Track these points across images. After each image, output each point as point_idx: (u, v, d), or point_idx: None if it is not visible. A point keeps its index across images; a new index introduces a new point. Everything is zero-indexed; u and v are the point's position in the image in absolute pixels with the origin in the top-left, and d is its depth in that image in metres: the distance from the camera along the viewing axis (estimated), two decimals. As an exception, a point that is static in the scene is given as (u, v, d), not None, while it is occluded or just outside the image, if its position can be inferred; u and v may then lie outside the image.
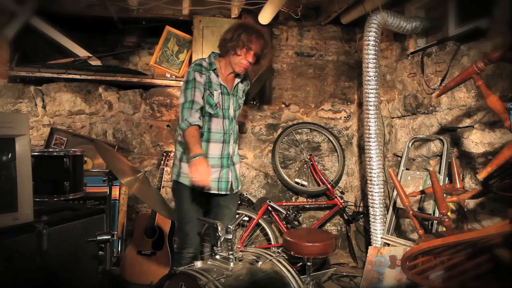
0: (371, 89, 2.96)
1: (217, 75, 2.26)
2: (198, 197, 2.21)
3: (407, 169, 2.99)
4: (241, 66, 2.22)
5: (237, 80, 2.35)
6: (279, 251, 1.91)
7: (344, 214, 3.65)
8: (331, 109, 4.01)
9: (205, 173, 1.91)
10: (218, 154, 2.23)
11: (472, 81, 1.92)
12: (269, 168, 3.83)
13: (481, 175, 1.65)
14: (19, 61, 3.39)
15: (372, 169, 2.98)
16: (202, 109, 2.16)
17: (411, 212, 2.03)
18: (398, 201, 2.88)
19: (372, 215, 3.00)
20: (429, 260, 1.39)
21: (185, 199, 2.19)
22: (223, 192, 2.26)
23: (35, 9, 3.24)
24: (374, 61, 2.95)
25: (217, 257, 1.73)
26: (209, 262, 1.72)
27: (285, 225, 3.40)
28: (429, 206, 2.72)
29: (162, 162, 3.36)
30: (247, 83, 2.48)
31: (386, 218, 2.97)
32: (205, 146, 2.21)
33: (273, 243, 3.33)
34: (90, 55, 3.52)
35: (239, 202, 3.60)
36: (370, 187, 3.00)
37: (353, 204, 3.89)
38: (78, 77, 3.40)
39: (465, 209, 2.21)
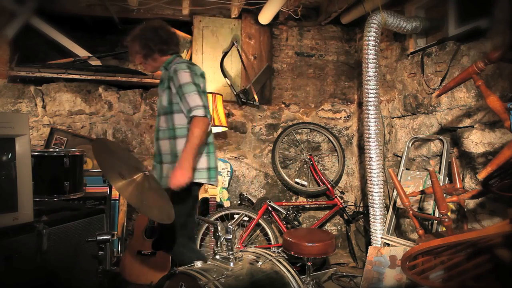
0: (371, 89, 2.96)
1: None
2: None
3: (407, 169, 2.99)
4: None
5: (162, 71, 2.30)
6: (279, 251, 1.91)
7: (344, 214, 3.65)
8: (331, 109, 4.01)
9: None
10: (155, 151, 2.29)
11: (472, 81, 1.92)
12: (269, 168, 3.83)
13: (481, 175, 1.65)
14: (19, 61, 3.39)
15: (372, 169, 2.98)
16: None
17: (411, 212, 2.03)
18: (398, 201, 2.88)
19: (372, 215, 3.00)
20: (429, 260, 1.39)
21: None
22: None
23: (35, 9, 3.24)
24: (374, 61, 2.95)
25: (217, 257, 1.73)
26: (209, 262, 1.72)
27: (285, 225, 3.40)
28: (429, 206, 2.72)
29: (162, 162, 3.36)
30: (169, 68, 2.21)
31: (386, 218, 2.97)
32: None
33: (273, 243, 3.33)
34: (90, 55, 3.52)
35: (239, 202, 3.61)
36: (370, 187, 3.00)
37: (353, 204, 3.89)
38: (78, 77, 3.40)
39: (465, 209, 2.21)
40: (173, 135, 2.17)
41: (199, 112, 2.03)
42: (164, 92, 2.19)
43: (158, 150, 2.22)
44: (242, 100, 3.61)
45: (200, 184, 2.21)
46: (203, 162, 2.18)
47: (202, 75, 2.24)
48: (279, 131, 3.82)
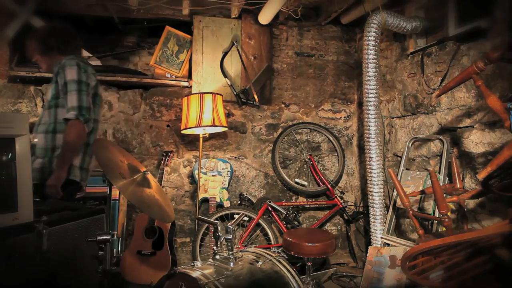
0: (371, 89, 2.97)
1: None
2: None
3: (407, 169, 2.99)
4: None
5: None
6: (279, 251, 1.91)
7: (344, 214, 3.65)
8: (331, 109, 4.01)
9: None
10: None
11: (472, 81, 1.92)
12: (269, 168, 3.83)
13: (481, 175, 1.65)
14: (19, 61, 3.39)
15: (372, 169, 2.98)
16: None
17: (411, 212, 2.03)
18: (398, 201, 2.88)
19: (372, 215, 3.00)
20: (429, 260, 1.39)
21: None
22: None
23: (35, 9, 3.24)
24: (374, 61, 2.95)
25: (217, 257, 1.73)
26: (209, 262, 1.72)
27: (285, 225, 3.40)
28: (429, 206, 2.72)
29: (162, 162, 3.36)
30: (59, 63, 2.21)
31: (386, 218, 2.97)
32: None
33: (273, 243, 3.33)
34: (90, 55, 3.52)
35: (239, 202, 3.61)
36: (370, 187, 3.00)
37: (353, 204, 3.89)
38: (78, 77, 3.39)
39: (465, 209, 2.21)
40: (53, 129, 2.15)
41: (71, 115, 2.05)
42: (51, 86, 2.20)
43: (36, 144, 2.18)
44: (242, 100, 3.61)
45: (74, 182, 2.16)
46: (76, 160, 2.18)
47: (94, 75, 2.24)
48: (279, 131, 3.82)
